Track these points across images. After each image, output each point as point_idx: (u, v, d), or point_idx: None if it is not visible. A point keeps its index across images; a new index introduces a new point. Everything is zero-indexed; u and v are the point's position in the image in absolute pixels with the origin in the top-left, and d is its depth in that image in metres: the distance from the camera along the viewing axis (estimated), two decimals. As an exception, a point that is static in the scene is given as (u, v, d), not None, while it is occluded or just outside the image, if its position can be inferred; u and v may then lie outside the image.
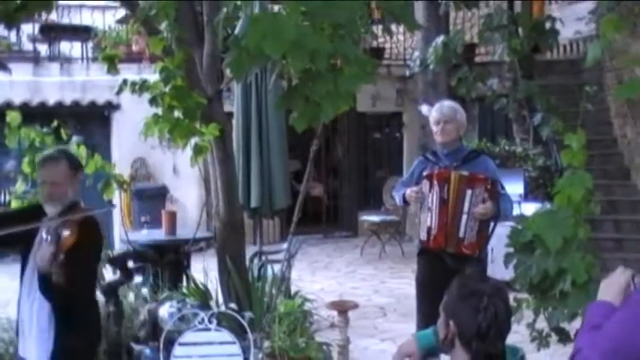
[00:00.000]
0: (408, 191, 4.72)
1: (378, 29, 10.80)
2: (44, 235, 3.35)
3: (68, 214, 3.49)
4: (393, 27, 4.70)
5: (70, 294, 3.41)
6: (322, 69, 3.61)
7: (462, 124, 4.78)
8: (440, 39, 10.38)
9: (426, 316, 4.31)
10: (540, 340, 3.70)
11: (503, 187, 4.71)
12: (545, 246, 3.46)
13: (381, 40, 13.02)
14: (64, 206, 3.56)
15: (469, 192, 4.51)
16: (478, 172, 4.59)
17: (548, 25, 10.27)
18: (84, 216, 3.53)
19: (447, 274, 4.38)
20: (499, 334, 2.32)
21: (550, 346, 3.72)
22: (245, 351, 4.08)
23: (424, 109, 8.96)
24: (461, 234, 4.54)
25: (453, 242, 4.56)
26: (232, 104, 8.07)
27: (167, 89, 4.82)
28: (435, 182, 4.56)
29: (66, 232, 3.40)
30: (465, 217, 4.52)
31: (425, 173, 4.67)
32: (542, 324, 3.65)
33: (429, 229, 4.60)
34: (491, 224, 4.64)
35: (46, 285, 3.41)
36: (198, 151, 4.92)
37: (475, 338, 2.30)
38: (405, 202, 4.81)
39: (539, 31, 10.32)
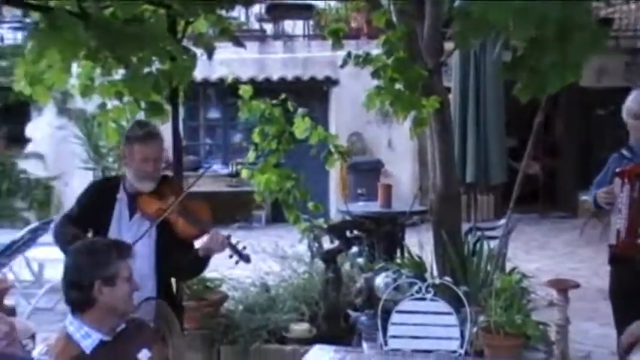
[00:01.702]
0: (599, 192, 4.34)
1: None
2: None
3: (165, 188, 3.58)
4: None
5: None
6: (550, 37, 3.48)
7: None
8: (679, 6, 9.57)
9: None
10: None
11: None
12: None
13: (609, 10, 12.26)
14: (157, 181, 3.58)
15: None
16: None
17: None
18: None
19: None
20: None
21: None
22: (460, 323, 4.07)
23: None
24: None
25: None
26: (449, 79, 8.02)
27: (389, 61, 4.89)
28: (626, 180, 4.12)
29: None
30: None
31: (617, 170, 4.24)
32: None
33: (618, 233, 4.17)
34: None
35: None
36: (418, 123, 4.96)
37: None
38: (598, 205, 4.37)
39: None
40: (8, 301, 5.99)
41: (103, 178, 3.81)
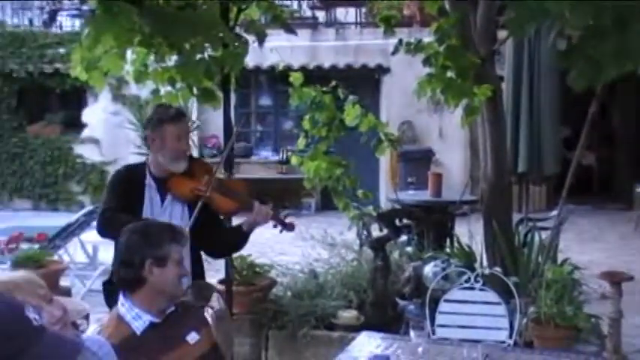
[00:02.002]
0: None
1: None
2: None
3: (195, 167, 3.56)
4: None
5: None
6: (607, 25, 3.40)
7: None
8: None
9: None
10: None
11: None
12: None
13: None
14: (186, 160, 3.53)
15: None
16: None
17: None
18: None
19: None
20: None
21: None
22: (510, 314, 4.04)
23: None
24: None
25: None
26: (502, 68, 7.90)
27: (441, 49, 4.85)
28: None
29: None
30: None
31: None
32: None
33: None
34: None
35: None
36: (470, 111, 4.91)
37: None
38: None
39: None
40: (64, 282, 6.16)
41: (126, 166, 3.70)
